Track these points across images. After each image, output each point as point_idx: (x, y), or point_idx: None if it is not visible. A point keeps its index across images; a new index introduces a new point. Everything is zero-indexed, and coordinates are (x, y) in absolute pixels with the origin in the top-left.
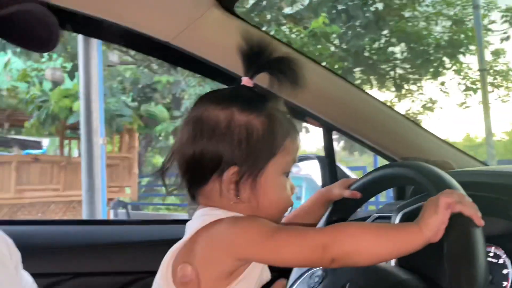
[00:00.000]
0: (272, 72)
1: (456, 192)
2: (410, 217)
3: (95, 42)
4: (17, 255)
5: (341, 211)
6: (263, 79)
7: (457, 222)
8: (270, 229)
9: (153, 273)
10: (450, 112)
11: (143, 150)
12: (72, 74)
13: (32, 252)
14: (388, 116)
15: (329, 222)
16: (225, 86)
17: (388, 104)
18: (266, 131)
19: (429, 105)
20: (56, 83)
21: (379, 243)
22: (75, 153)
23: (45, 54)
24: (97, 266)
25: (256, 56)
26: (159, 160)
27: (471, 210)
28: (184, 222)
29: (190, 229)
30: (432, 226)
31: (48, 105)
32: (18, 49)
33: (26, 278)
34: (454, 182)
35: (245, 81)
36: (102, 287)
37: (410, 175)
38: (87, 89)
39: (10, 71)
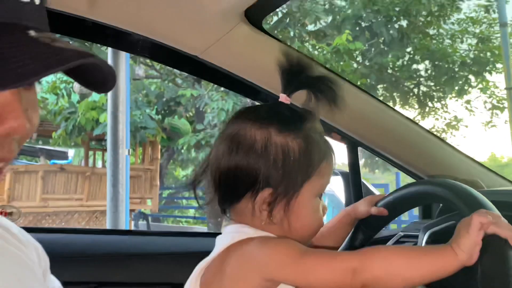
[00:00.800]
0: (311, 91)
1: (490, 212)
2: (437, 237)
3: (123, 55)
4: (46, 260)
5: (367, 229)
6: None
7: (492, 244)
8: (300, 251)
9: (176, 285)
10: (475, 131)
11: (165, 163)
12: None
13: (57, 260)
14: (414, 132)
15: (354, 240)
16: (251, 101)
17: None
18: (302, 153)
19: (454, 123)
20: (83, 96)
21: (411, 267)
22: (99, 164)
23: None
24: (121, 276)
25: (297, 74)
26: (180, 172)
27: (507, 232)
28: (207, 235)
29: (219, 245)
30: (465, 247)
31: (75, 116)
32: None
33: (54, 283)
34: (487, 201)
35: (283, 98)
36: None
37: (441, 194)
38: (114, 101)
39: (40, 83)
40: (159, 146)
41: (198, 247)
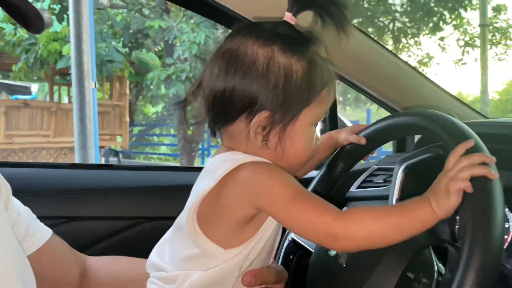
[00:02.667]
0: (319, 12)
1: (475, 154)
2: (413, 169)
3: None
4: (7, 188)
5: (347, 158)
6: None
7: (475, 186)
8: (291, 193)
9: (149, 219)
10: (446, 68)
11: (134, 99)
12: (61, 16)
13: (27, 195)
14: (392, 63)
15: (333, 168)
16: (222, 33)
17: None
18: (305, 77)
19: (426, 60)
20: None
21: (393, 232)
22: (65, 100)
23: None
24: (92, 210)
25: None
26: (150, 109)
27: (490, 173)
28: (179, 169)
29: (212, 176)
30: (444, 208)
31: (36, 48)
32: None
33: (18, 208)
34: (472, 132)
35: (288, 17)
36: (97, 232)
37: (426, 125)
38: (77, 30)
39: None
40: (127, 82)
41: (170, 180)
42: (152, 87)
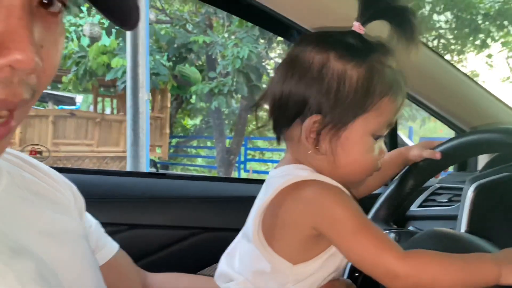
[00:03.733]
0: (389, 22)
1: None
2: (485, 189)
3: None
4: (81, 200)
5: (419, 174)
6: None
7: None
8: (356, 223)
9: (208, 229)
10: (492, 86)
11: (174, 111)
12: (109, 30)
13: (89, 201)
14: (459, 80)
15: (404, 185)
16: (265, 49)
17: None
18: (361, 83)
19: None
20: (93, 39)
21: (455, 285)
22: (107, 111)
23: (84, 9)
24: (152, 219)
25: (375, 0)
26: (188, 122)
27: None
28: (233, 180)
29: (272, 187)
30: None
31: (85, 61)
32: None
33: (91, 222)
34: None
35: (356, 27)
36: (157, 240)
37: (507, 141)
38: (134, 43)
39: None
40: (169, 94)
41: (227, 191)
42: (192, 100)
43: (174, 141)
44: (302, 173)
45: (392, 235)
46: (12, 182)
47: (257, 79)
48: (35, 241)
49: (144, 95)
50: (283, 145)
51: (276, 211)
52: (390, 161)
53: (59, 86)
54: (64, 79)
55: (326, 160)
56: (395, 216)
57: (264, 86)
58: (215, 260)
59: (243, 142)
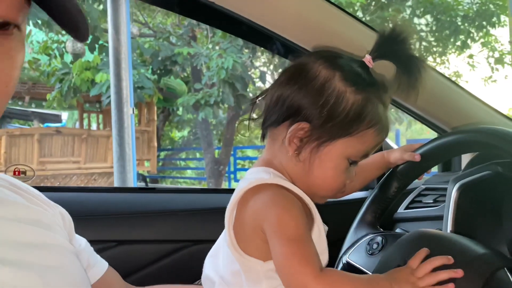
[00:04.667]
0: (398, 66)
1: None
2: (468, 188)
3: (123, 10)
4: (70, 221)
5: (402, 177)
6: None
7: None
8: (294, 233)
9: (197, 242)
10: (475, 86)
11: (161, 124)
12: (92, 46)
13: (77, 219)
14: (438, 81)
15: (387, 188)
16: (249, 59)
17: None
18: (354, 108)
19: (454, 78)
20: (76, 56)
21: None
22: (93, 127)
23: None
24: (141, 234)
25: (393, 42)
26: (176, 134)
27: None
28: (224, 191)
29: (237, 190)
30: None
31: (69, 77)
32: (39, 21)
33: (80, 241)
34: None
35: (367, 60)
36: (146, 255)
37: (490, 141)
38: (116, 58)
39: (31, 43)
40: (155, 107)
41: (215, 203)
42: (179, 112)
43: (162, 154)
44: (265, 176)
45: (379, 238)
46: None
47: (242, 88)
48: (15, 252)
49: (129, 110)
50: None
51: (241, 212)
52: (372, 164)
53: (44, 104)
54: (48, 96)
55: (301, 167)
56: (382, 220)
57: (250, 95)
58: None
59: (232, 152)
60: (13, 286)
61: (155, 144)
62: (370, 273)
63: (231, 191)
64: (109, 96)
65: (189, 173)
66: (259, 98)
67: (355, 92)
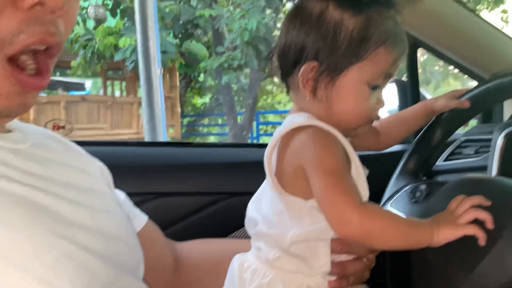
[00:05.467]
0: None
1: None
2: None
3: None
4: (108, 175)
5: (447, 125)
6: None
7: None
8: (332, 167)
9: (234, 194)
10: None
11: (183, 91)
12: (114, 11)
13: (115, 172)
14: (479, 26)
15: (431, 136)
16: (273, 19)
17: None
18: (356, 32)
19: None
20: (99, 21)
21: (398, 240)
22: (116, 94)
23: None
24: (178, 186)
25: None
26: (198, 100)
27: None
28: (259, 146)
29: (275, 134)
30: (443, 239)
31: (92, 43)
32: None
33: (120, 195)
34: None
35: None
36: (184, 207)
37: None
38: (143, 17)
39: None
40: (177, 73)
41: (251, 157)
42: (200, 78)
43: (185, 120)
44: (300, 119)
45: (423, 186)
46: (39, 143)
47: (266, 50)
48: (72, 192)
49: (157, 70)
50: None
51: (281, 156)
52: (414, 114)
53: (68, 72)
54: (72, 63)
55: (322, 106)
56: (424, 169)
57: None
58: (242, 224)
59: (255, 117)
60: (68, 218)
61: (179, 110)
62: None
63: (265, 145)
64: (133, 61)
65: (212, 139)
66: (272, 53)
67: (353, 17)
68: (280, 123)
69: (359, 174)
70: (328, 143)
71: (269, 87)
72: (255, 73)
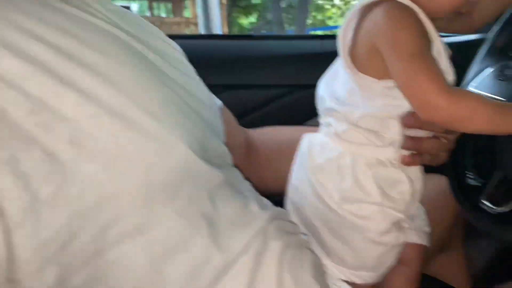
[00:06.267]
0: None
1: None
2: None
3: None
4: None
5: None
6: None
7: None
8: (415, 47)
9: (303, 87)
10: None
11: (229, 10)
12: None
13: None
14: None
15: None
16: None
17: None
18: None
19: None
20: None
21: (487, 123)
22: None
23: None
24: (247, 78)
25: None
26: (245, 21)
27: None
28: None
29: (348, 12)
30: None
31: None
32: None
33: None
34: None
35: None
36: (253, 100)
37: None
38: None
39: None
40: None
41: (321, 48)
42: None
43: None
44: None
45: None
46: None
47: None
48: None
49: None
50: None
51: (356, 35)
52: None
53: None
54: None
55: None
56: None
57: None
58: (312, 116)
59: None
60: (167, 73)
61: (227, 30)
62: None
63: (335, 37)
64: None
65: None
66: None
67: None
68: None
69: (440, 55)
70: (406, 18)
71: (319, 2)
72: None
